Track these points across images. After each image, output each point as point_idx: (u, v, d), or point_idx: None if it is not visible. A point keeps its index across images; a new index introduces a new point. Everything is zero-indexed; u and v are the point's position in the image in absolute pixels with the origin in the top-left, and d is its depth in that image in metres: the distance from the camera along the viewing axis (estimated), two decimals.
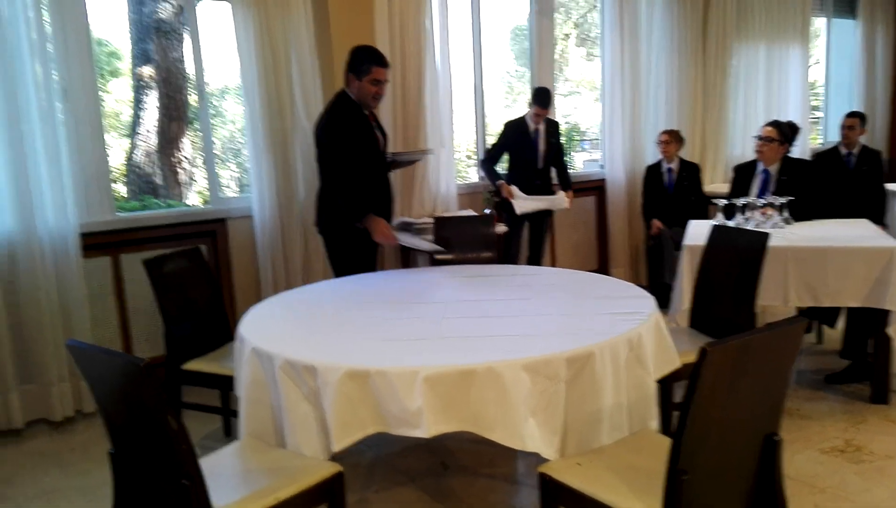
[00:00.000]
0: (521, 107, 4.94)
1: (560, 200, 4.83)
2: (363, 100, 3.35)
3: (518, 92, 9.49)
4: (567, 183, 4.95)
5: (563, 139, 5.24)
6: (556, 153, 4.93)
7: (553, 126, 4.90)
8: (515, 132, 4.79)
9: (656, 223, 5.14)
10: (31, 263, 3.40)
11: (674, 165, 5.25)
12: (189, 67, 7.29)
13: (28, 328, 3.45)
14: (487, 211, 4.85)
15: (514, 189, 4.67)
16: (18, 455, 3.23)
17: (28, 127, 3.35)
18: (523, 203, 4.70)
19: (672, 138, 5.23)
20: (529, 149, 4.77)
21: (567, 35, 9.34)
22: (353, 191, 3.33)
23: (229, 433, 3.25)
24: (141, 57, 7.47)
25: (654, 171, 5.37)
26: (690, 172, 5.28)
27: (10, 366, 3.39)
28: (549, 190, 4.90)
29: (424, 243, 3.29)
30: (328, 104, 3.45)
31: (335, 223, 3.41)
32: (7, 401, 3.39)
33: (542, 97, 4.67)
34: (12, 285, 3.41)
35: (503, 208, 4.86)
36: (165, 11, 7.36)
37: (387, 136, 3.65)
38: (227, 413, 3.21)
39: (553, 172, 4.96)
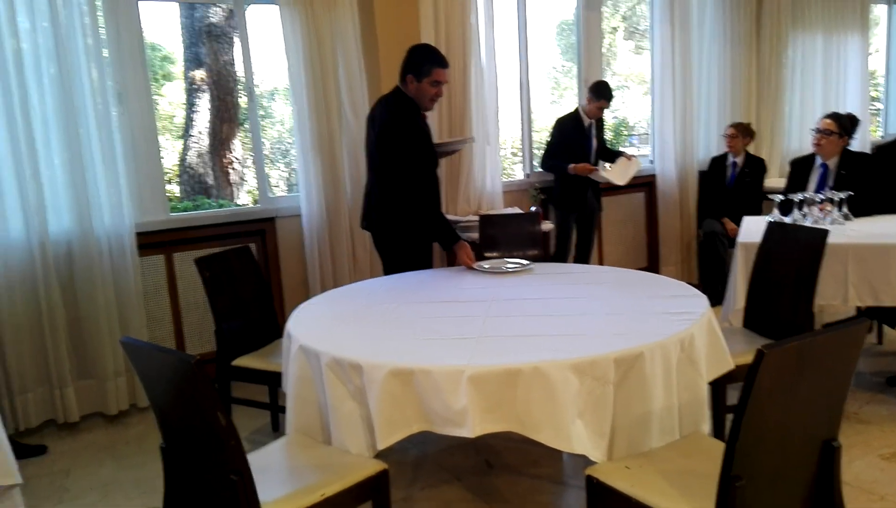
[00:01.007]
0: (567, 102, 4.88)
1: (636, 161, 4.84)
2: (420, 101, 3.27)
3: (564, 87, 9.39)
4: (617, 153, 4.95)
5: (609, 134, 5.19)
6: (604, 148, 4.95)
7: (599, 120, 4.85)
8: (573, 128, 4.73)
9: (730, 225, 4.96)
10: (88, 261, 3.52)
11: (739, 160, 5.08)
12: (239, 70, 7.44)
13: (85, 325, 3.57)
14: (533, 208, 4.81)
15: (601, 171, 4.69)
16: (75, 448, 3.34)
17: (85, 130, 3.46)
18: (620, 173, 4.72)
19: (738, 132, 5.04)
20: (585, 144, 4.73)
21: (615, 28, 9.20)
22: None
23: (277, 429, 3.30)
24: (193, 60, 7.66)
25: (717, 163, 5.21)
26: (755, 167, 5.07)
27: (67, 362, 3.51)
28: (598, 185, 4.85)
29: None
30: (391, 105, 3.28)
31: (395, 225, 3.32)
32: (64, 395, 3.51)
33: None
34: (70, 283, 3.53)
35: (556, 203, 4.80)
36: (216, 15, 7.52)
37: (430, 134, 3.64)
38: (275, 409, 3.26)
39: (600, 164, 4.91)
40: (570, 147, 4.73)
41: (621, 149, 4.98)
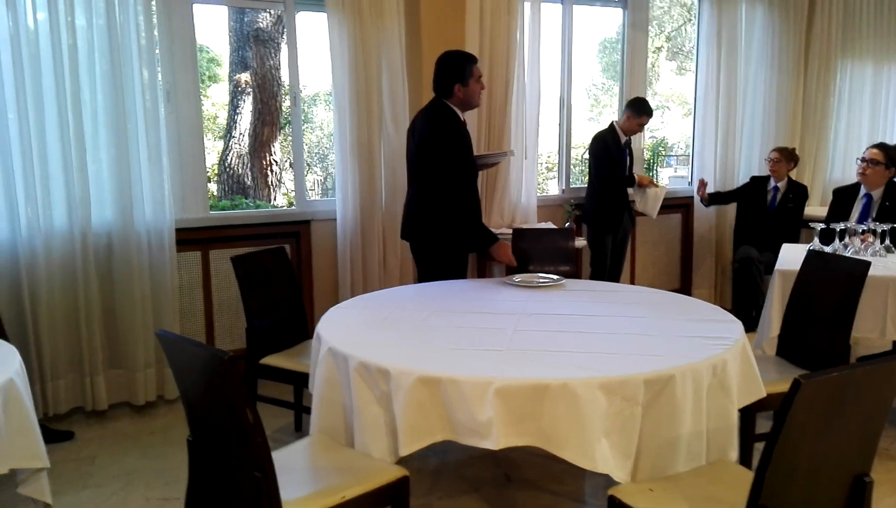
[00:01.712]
0: (605, 120, 4.86)
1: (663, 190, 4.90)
2: (472, 102, 3.32)
3: (603, 105, 9.36)
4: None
5: (647, 154, 5.16)
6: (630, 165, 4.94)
7: (630, 143, 4.85)
8: (613, 144, 4.70)
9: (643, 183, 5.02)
10: (126, 254, 3.59)
11: (781, 185, 4.98)
12: (283, 74, 7.56)
13: (119, 316, 3.64)
14: (567, 225, 4.79)
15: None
16: (102, 435, 3.40)
17: (133, 127, 3.55)
18: (653, 206, 4.89)
19: (783, 157, 4.93)
20: (623, 160, 4.73)
21: (658, 48, 9.15)
22: (476, 212, 3.35)
23: (300, 429, 3.32)
24: (239, 63, 7.81)
25: (758, 184, 5.08)
26: (798, 193, 4.96)
27: (99, 351, 3.58)
28: (630, 205, 4.84)
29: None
30: (428, 116, 3.31)
31: (434, 233, 3.33)
32: (94, 383, 3.58)
33: (648, 108, 4.67)
34: (108, 274, 3.61)
35: (591, 223, 4.78)
36: (264, 20, 7.67)
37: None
38: (300, 409, 3.29)
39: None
40: (615, 162, 4.72)
41: (640, 174, 4.96)
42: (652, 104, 4.72)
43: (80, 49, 3.40)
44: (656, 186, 4.87)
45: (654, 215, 4.95)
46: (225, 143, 7.92)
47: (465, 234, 3.31)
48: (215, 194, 7.72)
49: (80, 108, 3.42)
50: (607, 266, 4.80)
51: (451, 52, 3.35)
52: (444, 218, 3.29)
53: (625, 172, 4.75)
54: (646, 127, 4.89)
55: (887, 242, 3.54)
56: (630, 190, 4.83)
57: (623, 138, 4.71)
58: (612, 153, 4.67)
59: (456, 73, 3.24)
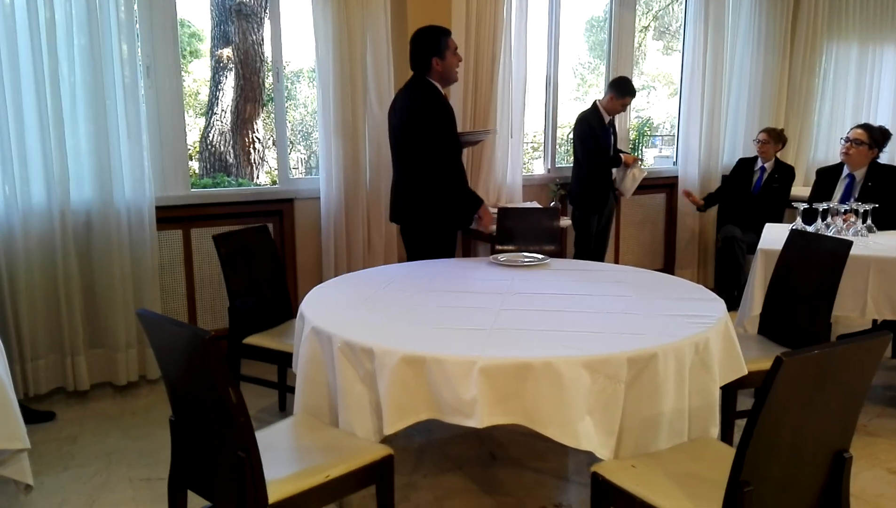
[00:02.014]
0: (591, 99, 4.83)
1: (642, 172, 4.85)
2: (450, 76, 3.37)
3: (590, 84, 9.31)
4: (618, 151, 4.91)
5: (633, 134, 5.14)
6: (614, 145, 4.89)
7: (610, 121, 4.80)
8: (598, 124, 4.67)
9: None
10: (106, 232, 3.54)
11: (768, 165, 5.00)
12: (266, 50, 7.45)
13: (100, 295, 3.60)
14: (552, 204, 4.79)
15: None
16: (83, 416, 3.38)
17: (112, 102, 3.48)
18: (630, 186, 4.83)
19: (770, 138, 4.94)
20: (607, 140, 4.69)
21: (645, 27, 9.11)
22: (462, 179, 3.38)
23: (284, 408, 3.32)
24: (221, 39, 7.68)
25: (745, 166, 5.10)
26: (784, 174, 4.98)
27: (80, 330, 3.54)
28: (611, 184, 4.83)
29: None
30: (416, 93, 3.30)
31: (421, 210, 3.36)
32: (75, 363, 3.54)
33: (632, 88, 4.65)
34: (88, 252, 3.56)
35: (576, 203, 4.77)
36: None
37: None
38: (283, 389, 3.28)
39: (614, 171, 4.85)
40: (600, 141, 4.70)
41: (626, 153, 4.91)
42: (638, 84, 4.70)
43: (57, 23, 3.32)
44: (640, 167, 4.84)
45: (627, 196, 4.93)
46: (206, 119, 7.81)
47: (453, 201, 3.33)
48: (197, 171, 7.62)
49: (57, 83, 3.34)
50: (591, 246, 4.81)
51: (425, 27, 3.36)
52: (432, 191, 3.30)
53: (609, 153, 4.73)
54: (630, 107, 4.87)
55: (869, 221, 3.57)
56: (614, 169, 4.82)
57: (606, 118, 4.69)
58: (596, 134, 4.65)
59: (432, 47, 3.27)
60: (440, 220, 3.38)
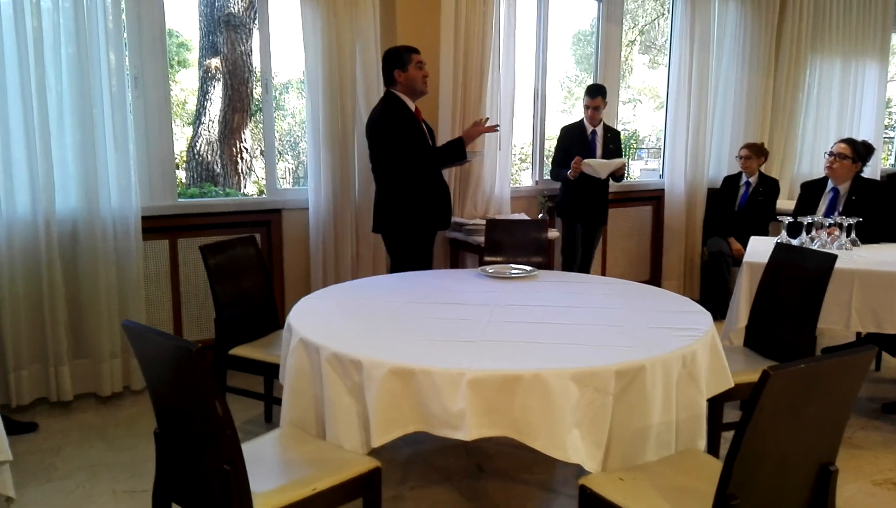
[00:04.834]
0: (578, 112, 4.87)
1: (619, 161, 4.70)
2: (415, 86, 3.52)
3: (577, 97, 9.38)
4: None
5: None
6: (612, 156, 4.80)
7: (613, 134, 4.84)
8: (572, 135, 4.77)
9: (735, 245, 4.97)
10: (92, 242, 3.51)
11: (753, 180, 5.06)
12: (255, 61, 7.44)
13: (84, 305, 3.56)
14: (541, 216, 4.80)
15: (585, 161, 4.61)
16: (67, 427, 3.33)
17: (99, 112, 3.45)
18: (601, 168, 4.63)
19: (752, 153, 5.02)
20: (587, 152, 4.70)
21: (631, 42, 9.20)
22: (431, 181, 3.53)
23: (270, 420, 3.29)
24: (209, 49, 7.67)
25: (730, 183, 5.19)
26: (769, 187, 5.05)
27: (64, 340, 3.50)
28: (605, 197, 4.82)
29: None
30: (377, 105, 3.56)
31: (394, 223, 3.53)
32: (59, 374, 3.50)
33: (598, 89, 4.67)
34: (73, 262, 3.53)
35: (560, 212, 4.79)
36: (236, 5, 7.54)
37: (433, 132, 3.76)
38: (270, 400, 3.26)
39: (610, 181, 4.85)
40: (572, 155, 4.71)
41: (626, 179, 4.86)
42: (624, 97, 4.74)
43: (45, 32, 3.30)
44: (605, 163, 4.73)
45: (602, 176, 4.63)
46: (194, 129, 7.78)
47: (422, 203, 3.50)
48: (184, 181, 7.59)
49: (44, 92, 3.32)
50: (577, 256, 4.83)
51: (392, 46, 3.64)
52: (398, 197, 3.48)
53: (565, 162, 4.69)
54: (617, 121, 4.89)
55: (853, 235, 3.61)
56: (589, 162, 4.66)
57: (589, 129, 4.72)
58: (569, 144, 4.71)
59: (395, 60, 3.51)
60: (408, 226, 3.52)
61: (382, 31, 4.14)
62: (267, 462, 1.97)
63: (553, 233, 4.49)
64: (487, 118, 3.73)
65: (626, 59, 9.25)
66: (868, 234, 3.72)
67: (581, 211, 4.75)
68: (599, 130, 4.77)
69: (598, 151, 4.74)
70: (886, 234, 3.84)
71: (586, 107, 4.70)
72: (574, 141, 4.73)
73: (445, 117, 4.35)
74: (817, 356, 2.03)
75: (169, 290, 3.92)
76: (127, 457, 3.00)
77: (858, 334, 3.86)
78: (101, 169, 3.50)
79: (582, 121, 4.76)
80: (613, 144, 4.81)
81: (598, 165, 4.61)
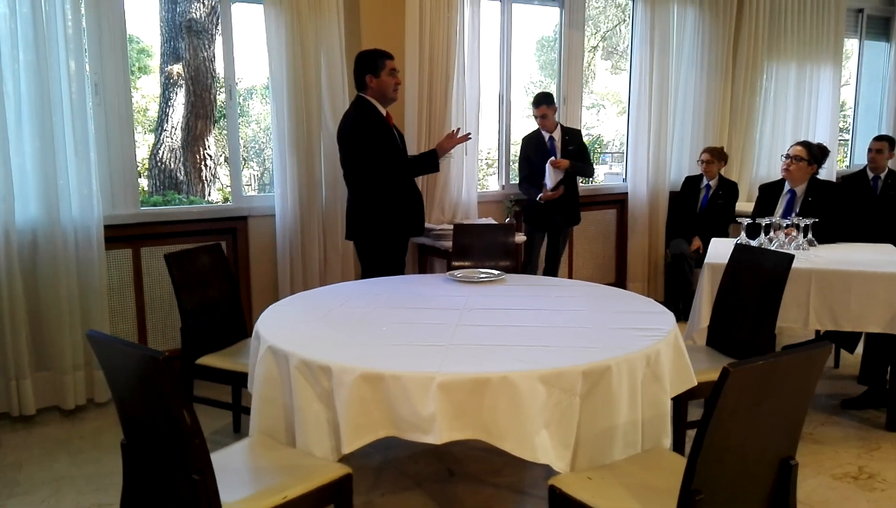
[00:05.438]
0: None
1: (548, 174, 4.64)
2: (386, 94, 3.50)
3: None
4: (574, 162, 4.72)
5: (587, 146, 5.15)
6: (578, 159, 4.80)
7: (571, 134, 4.85)
8: (531, 144, 4.82)
9: (696, 242, 5.07)
10: (52, 251, 3.44)
11: (713, 183, 5.19)
12: (219, 66, 7.37)
13: (46, 316, 3.49)
14: (507, 220, 4.84)
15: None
16: (29, 441, 3.26)
17: (59, 119, 3.39)
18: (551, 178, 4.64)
19: (713, 157, 5.15)
20: (547, 157, 4.73)
21: (594, 47, 9.34)
22: (404, 187, 3.54)
23: (238, 430, 3.26)
24: (171, 55, 7.57)
25: (692, 184, 5.30)
26: (728, 190, 5.18)
27: (25, 353, 3.43)
28: (575, 198, 4.84)
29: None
30: (349, 110, 3.55)
31: (368, 230, 3.52)
32: (21, 387, 3.42)
33: (541, 98, 4.70)
34: (33, 272, 3.46)
35: (527, 219, 4.84)
36: (197, 11, 7.45)
37: (404, 138, 3.75)
38: (238, 410, 3.23)
39: (578, 181, 4.90)
40: (533, 163, 4.77)
41: (590, 182, 4.88)
42: (587, 102, 4.80)
43: (2, 38, 3.24)
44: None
45: (549, 186, 4.62)
46: (156, 136, 7.67)
47: (392, 210, 3.49)
48: (146, 189, 7.47)
49: (2, 99, 3.25)
50: (538, 261, 4.88)
51: (366, 50, 3.58)
52: (370, 203, 3.47)
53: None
54: (577, 120, 4.93)
55: (810, 235, 3.72)
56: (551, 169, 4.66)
57: (547, 136, 4.76)
58: (529, 153, 4.77)
59: (367, 65, 3.48)
60: (382, 232, 3.51)
61: (347, 36, 4.15)
62: (237, 470, 1.96)
63: (520, 237, 4.53)
64: (459, 129, 3.74)
65: (589, 65, 9.38)
66: (824, 234, 3.83)
67: (548, 221, 4.78)
68: (557, 134, 4.78)
69: (558, 154, 4.74)
70: (842, 234, 3.96)
71: (535, 116, 4.74)
72: (533, 149, 4.78)
73: (412, 122, 4.36)
74: (775, 352, 2.10)
75: (133, 300, 3.86)
76: (92, 470, 2.95)
77: (817, 332, 3.96)
78: (61, 177, 3.44)
79: (539, 129, 4.80)
80: (573, 144, 4.81)
81: (549, 178, 4.64)
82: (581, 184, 5.21)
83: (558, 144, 4.77)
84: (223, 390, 3.09)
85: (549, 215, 4.76)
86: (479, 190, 4.96)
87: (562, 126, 4.86)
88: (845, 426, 3.38)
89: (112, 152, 3.76)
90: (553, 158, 4.67)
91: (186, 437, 1.60)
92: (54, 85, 3.37)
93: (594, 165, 5.13)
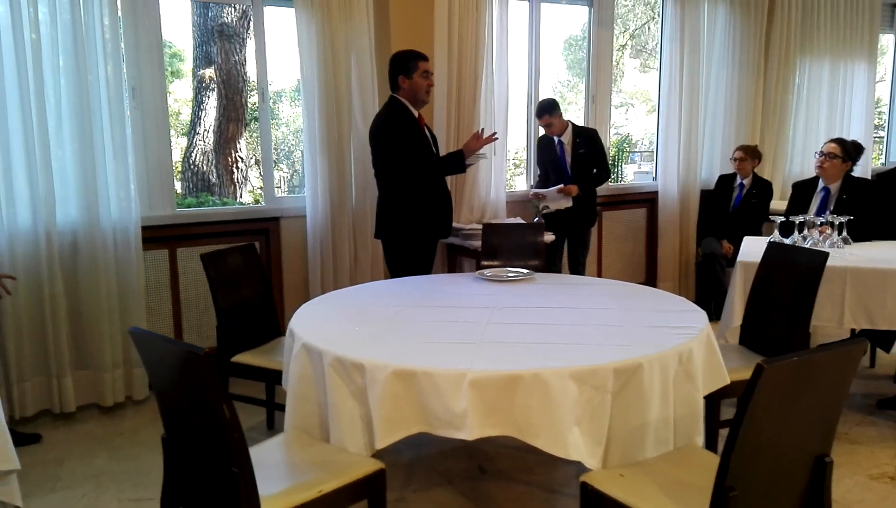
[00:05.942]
0: (569, 117, 4.88)
1: (552, 195, 4.58)
2: (417, 95, 3.51)
3: (569, 102, 9.46)
4: (584, 181, 4.65)
5: (613, 151, 5.12)
6: (589, 161, 4.68)
7: (584, 135, 4.69)
8: (542, 148, 4.80)
9: (726, 245, 5.00)
10: (92, 252, 3.54)
11: (747, 181, 5.11)
12: (250, 70, 7.48)
13: (86, 316, 3.58)
14: (536, 220, 4.83)
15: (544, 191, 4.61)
16: (70, 438, 3.35)
17: (98, 123, 3.49)
18: (552, 201, 4.60)
19: (747, 155, 5.06)
20: (557, 161, 4.69)
21: (623, 46, 9.28)
22: (433, 187, 3.55)
23: (272, 426, 3.32)
24: (203, 59, 7.71)
25: (725, 182, 5.23)
26: (762, 189, 5.09)
27: (66, 351, 3.52)
28: (591, 199, 4.78)
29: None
30: (382, 110, 3.58)
31: (395, 229, 3.54)
32: (62, 385, 3.52)
33: (539, 108, 4.62)
34: (74, 273, 3.55)
35: (548, 228, 4.80)
36: (229, 15, 7.58)
37: (436, 139, 3.77)
38: (272, 407, 3.28)
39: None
40: (545, 166, 4.76)
41: (619, 182, 4.81)
42: (616, 101, 4.76)
43: (43, 44, 3.34)
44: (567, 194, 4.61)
45: (550, 208, 4.62)
46: (189, 139, 7.82)
47: (424, 210, 3.50)
48: (179, 191, 7.62)
49: (43, 104, 3.35)
50: (559, 263, 4.84)
51: (402, 50, 3.58)
52: (401, 204, 3.49)
53: (564, 171, 4.65)
54: (609, 126, 4.90)
55: (844, 233, 3.66)
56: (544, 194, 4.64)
57: (556, 140, 4.67)
58: (542, 156, 4.79)
59: (400, 66, 3.50)
60: (410, 233, 3.52)
61: (377, 38, 4.19)
62: (272, 465, 2.00)
63: (549, 236, 4.52)
64: (484, 129, 3.74)
65: (618, 64, 9.33)
66: (859, 232, 3.77)
67: (565, 226, 4.71)
68: (566, 137, 4.66)
69: (568, 159, 4.66)
70: (877, 232, 3.89)
71: (545, 125, 4.63)
72: (544, 153, 4.77)
73: (440, 122, 4.39)
74: (810, 349, 2.08)
75: (169, 299, 3.94)
76: (131, 466, 3.02)
77: (852, 331, 3.90)
78: (100, 180, 3.53)
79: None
80: (584, 147, 4.65)
81: (550, 199, 4.60)
82: (609, 184, 5.18)
83: (568, 147, 4.65)
84: (257, 387, 3.15)
85: (564, 221, 4.70)
86: (507, 190, 4.96)
87: (573, 126, 4.70)
88: (881, 426, 3.33)
89: (149, 155, 3.85)
90: (562, 185, 4.57)
91: (226, 431, 1.64)
92: (93, 90, 3.46)
93: (610, 169, 5.02)
